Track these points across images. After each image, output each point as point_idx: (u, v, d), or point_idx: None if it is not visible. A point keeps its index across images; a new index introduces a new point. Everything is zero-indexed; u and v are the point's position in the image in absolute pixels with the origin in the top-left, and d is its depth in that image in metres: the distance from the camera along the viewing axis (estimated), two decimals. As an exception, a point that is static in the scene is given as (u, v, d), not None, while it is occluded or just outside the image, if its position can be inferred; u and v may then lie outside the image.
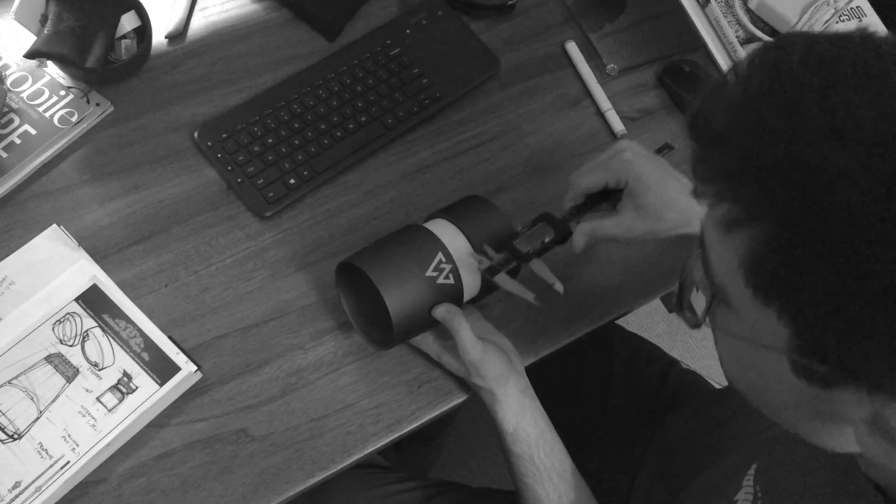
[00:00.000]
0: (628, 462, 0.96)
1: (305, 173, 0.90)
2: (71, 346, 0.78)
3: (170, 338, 0.80)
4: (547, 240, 0.80)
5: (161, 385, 0.77)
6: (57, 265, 0.81)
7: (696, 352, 1.82)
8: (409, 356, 0.84)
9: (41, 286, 0.80)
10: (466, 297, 0.80)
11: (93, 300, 0.80)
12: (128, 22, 0.92)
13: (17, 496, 0.72)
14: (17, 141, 0.87)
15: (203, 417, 0.79)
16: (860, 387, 0.47)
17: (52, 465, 0.73)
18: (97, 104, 0.90)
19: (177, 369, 0.78)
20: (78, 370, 0.77)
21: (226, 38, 0.98)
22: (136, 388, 0.77)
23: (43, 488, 0.72)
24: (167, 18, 0.97)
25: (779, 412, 0.56)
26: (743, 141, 0.47)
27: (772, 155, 0.46)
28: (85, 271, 0.81)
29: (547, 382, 0.96)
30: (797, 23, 1.03)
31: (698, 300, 0.57)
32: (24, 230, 0.83)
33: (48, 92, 0.90)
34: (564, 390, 1.04)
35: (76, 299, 0.80)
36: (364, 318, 0.82)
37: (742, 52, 1.03)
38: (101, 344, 0.78)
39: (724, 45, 1.04)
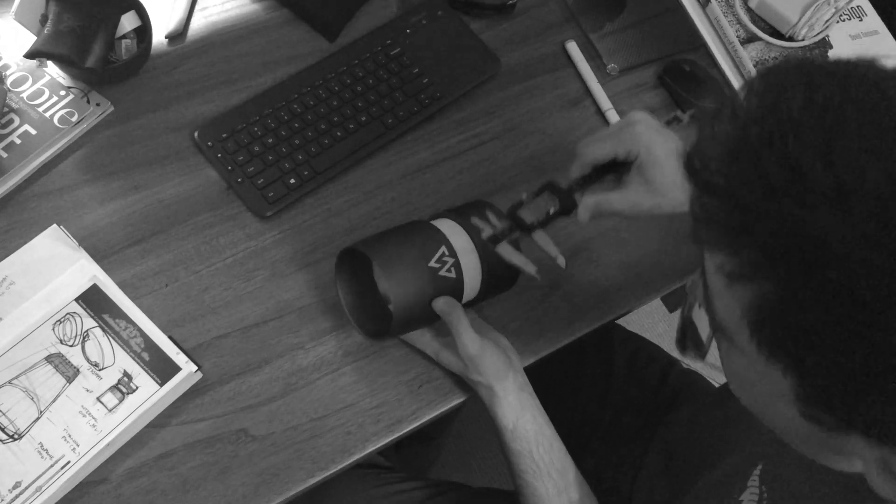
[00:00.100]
0: (629, 462, 0.96)
1: (306, 173, 0.90)
2: (71, 346, 0.78)
3: (170, 338, 0.80)
4: (552, 211, 0.78)
5: (161, 385, 0.77)
6: (57, 265, 0.81)
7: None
8: (409, 356, 0.84)
9: (41, 286, 0.80)
10: (466, 297, 0.80)
11: (93, 300, 0.80)
12: (128, 22, 0.92)
13: (17, 496, 0.72)
14: (18, 141, 0.87)
15: (203, 417, 0.79)
16: (869, 435, 0.47)
17: (52, 465, 0.73)
18: (97, 104, 0.90)
19: (177, 369, 0.78)
20: (78, 370, 0.77)
21: (226, 37, 0.98)
22: (137, 388, 0.77)
23: (43, 488, 0.72)
24: (167, 18, 0.97)
25: (786, 436, 0.56)
26: (743, 197, 0.45)
27: (774, 218, 0.44)
28: (85, 271, 0.81)
29: (547, 382, 0.96)
30: (798, 22, 1.03)
31: (701, 318, 0.57)
32: (24, 230, 0.83)
33: (48, 92, 0.90)
34: (565, 390, 1.04)
35: (76, 299, 0.80)
36: (362, 312, 0.82)
37: (743, 52, 1.03)
38: (101, 344, 0.78)
39: (724, 45, 1.04)
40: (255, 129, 0.91)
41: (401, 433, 0.81)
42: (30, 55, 0.87)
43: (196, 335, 0.82)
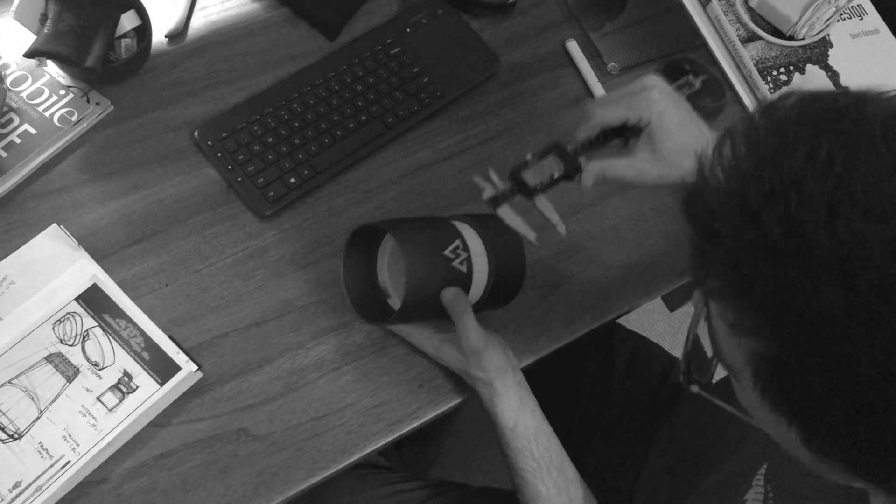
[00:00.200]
0: (629, 461, 0.96)
1: (306, 172, 0.90)
2: (71, 345, 0.78)
3: (170, 337, 0.80)
4: (556, 175, 0.77)
5: (161, 384, 0.77)
6: (57, 265, 0.81)
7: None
8: (409, 355, 0.84)
9: (41, 286, 0.80)
10: (471, 299, 0.80)
11: (93, 300, 0.80)
12: (127, 21, 0.92)
13: (17, 496, 0.72)
14: (17, 140, 0.86)
15: (203, 417, 0.79)
16: (876, 486, 0.47)
17: (52, 465, 0.73)
18: (97, 103, 0.90)
19: (177, 369, 0.78)
20: (78, 370, 0.77)
21: (226, 36, 0.98)
22: (137, 387, 0.77)
23: (43, 488, 0.72)
24: (167, 17, 0.97)
25: (796, 456, 0.56)
26: (744, 257, 0.44)
27: (775, 282, 0.43)
28: (85, 271, 0.81)
29: (547, 381, 0.95)
30: (798, 21, 1.03)
31: (704, 336, 0.56)
32: (23, 230, 0.83)
33: (48, 91, 0.90)
34: (565, 389, 1.04)
35: (76, 299, 0.79)
36: (359, 296, 0.81)
37: (743, 51, 1.02)
38: (101, 343, 0.78)
39: (724, 44, 1.04)
40: (255, 128, 0.91)
41: (401, 432, 0.81)
42: (29, 54, 0.87)
43: (196, 335, 0.82)
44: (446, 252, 0.76)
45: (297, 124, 0.92)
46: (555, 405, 0.85)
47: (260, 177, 0.89)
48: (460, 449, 1.57)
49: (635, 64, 1.06)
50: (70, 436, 0.74)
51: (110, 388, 0.77)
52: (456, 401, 0.83)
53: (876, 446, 0.44)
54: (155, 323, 0.80)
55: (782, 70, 1.04)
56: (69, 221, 0.84)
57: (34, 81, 0.90)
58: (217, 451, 0.77)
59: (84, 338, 0.78)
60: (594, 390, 1.03)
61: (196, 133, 0.90)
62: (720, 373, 0.58)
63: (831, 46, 1.07)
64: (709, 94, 1.02)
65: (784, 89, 0.45)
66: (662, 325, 1.83)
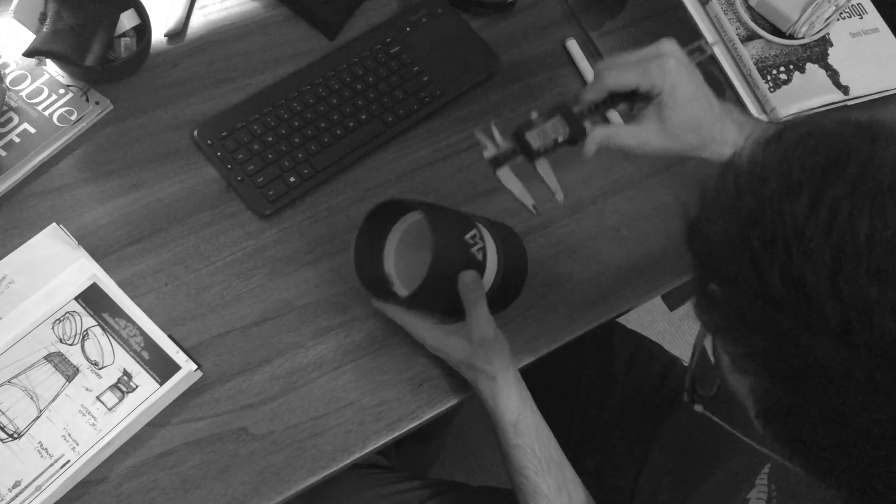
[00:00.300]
0: (629, 461, 0.96)
1: (305, 171, 0.90)
2: (71, 344, 0.78)
3: (170, 336, 0.80)
4: (560, 139, 0.76)
5: (161, 384, 0.77)
6: (56, 264, 0.81)
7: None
8: (409, 355, 0.84)
9: (41, 285, 0.80)
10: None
11: (92, 299, 0.79)
12: (127, 20, 0.92)
13: (17, 495, 0.72)
14: (17, 140, 0.86)
15: (203, 416, 0.79)
16: None
17: (52, 465, 0.73)
18: (96, 102, 0.90)
19: (177, 368, 0.78)
20: (78, 369, 0.77)
21: (225, 35, 0.98)
22: (136, 386, 0.77)
23: (43, 487, 0.72)
24: (166, 16, 0.97)
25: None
26: (743, 300, 0.43)
27: (774, 332, 0.42)
28: (84, 270, 0.81)
29: (547, 381, 0.96)
30: (798, 20, 1.03)
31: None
32: (23, 229, 0.83)
33: (47, 90, 0.89)
34: (565, 388, 1.04)
35: (76, 298, 0.79)
36: (372, 282, 0.79)
37: (743, 50, 1.02)
38: (100, 343, 0.78)
39: (724, 43, 1.04)
40: (255, 127, 0.91)
41: (401, 432, 0.81)
42: (29, 53, 0.87)
43: (196, 334, 0.82)
44: (467, 237, 0.76)
45: (296, 123, 0.92)
46: (555, 404, 0.84)
47: (259, 176, 0.89)
48: (460, 449, 1.57)
49: (635, 63, 1.06)
50: (70, 435, 0.74)
51: (110, 387, 0.76)
52: (455, 400, 0.83)
53: (874, 490, 0.44)
54: (154, 322, 0.80)
55: (782, 69, 1.04)
56: (69, 220, 0.84)
57: (33, 80, 0.90)
58: (217, 451, 0.77)
59: (83, 337, 0.78)
60: (594, 389, 1.03)
61: (195, 132, 0.90)
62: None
63: (831, 45, 1.07)
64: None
65: (791, 118, 0.43)
66: (662, 323, 1.83)
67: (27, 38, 0.89)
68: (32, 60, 0.90)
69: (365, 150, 0.93)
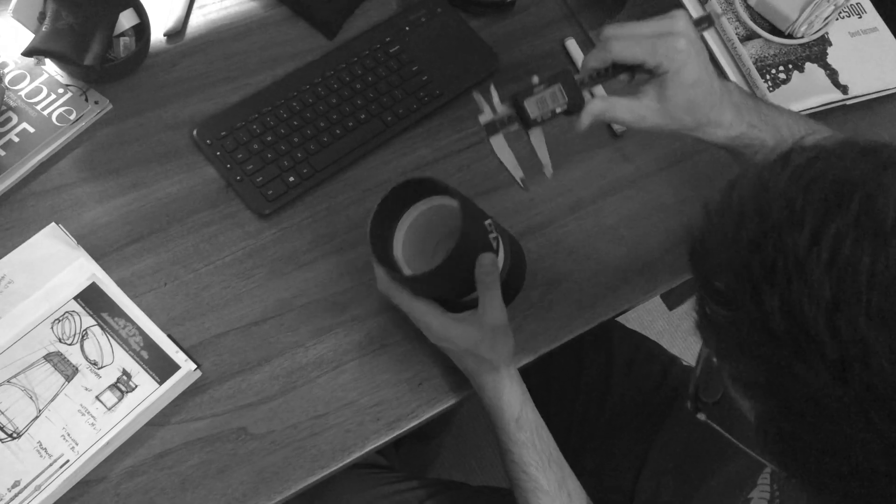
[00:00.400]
0: (629, 460, 0.96)
1: (305, 171, 0.90)
2: (70, 344, 0.78)
3: (169, 336, 0.79)
4: (558, 110, 0.74)
5: (160, 383, 0.77)
6: (56, 263, 0.81)
7: (697, 349, 1.82)
8: (409, 354, 0.84)
9: (40, 285, 0.80)
10: None
11: (92, 298, 0.79)
12: (126, 19, 0.91)
13: (16, 495, 0.72)
14: (16, 139, 0.86)
15: (203, 416, 0.79)
16: None
17: (51, 464, 0.73)
18: (96, 102, 0.90)
19: (176, 368, 0.78)
20: (77, 369, 0.77)
21: (224, 35, 0.98)
22: (136, 386, 0.77)
23: (42, 487, 0.72)
24: (166, 16, 0.97)
25: None
26: (742, 327, 0.43)
27: (773, 362, 0.42)
28: (84, 270, 0.81)
29: (547, 380, 0.95)
30: (797, 19, 1.03)
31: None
32: (22, 228, 0.83)
33: (46, 90, 0.89)
34: (564, 388, 1.04)
35: (75, 298, 0.79)
36: (381, 255, 0.78)
37: (742, 49, 1.02)
38: (100, 342, 0.78)
39: (724, 43, 1.04)
40: (254, 126, 0.91)
41: (401, 431, 0.81)
42: (28, 53, 0.87)
43: (195, 333, 0.82)
44: (486, 223, 0.76)
45: (296, 123, 0.92)
46: (554, 404, 0.84)
47: (259, 175, 0.89)
48: (459, 448, 1.57)
49: (634, 62, 1.06)
50: (69, 435, 0.74)
51: (109, 387, 0.76)
52: (455, 399, 0.83)
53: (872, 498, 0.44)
54: (154, 322, 0.80)
55: (781, 68, 1.04)
56: (68, 220, 0.84)
57: (33, 80, 0.90)
58: (216, 450, 0.77)
59: (83, 337, 0.78)
60: (594, 389, 1.03)
61: (195, 132, 0.90)
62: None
63: (830, 45, 1.07)
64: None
65: (802, 141, 0.42)
66: (662, 322, 1.83)
67: (26, 37, 0.89)
68: (31, 60, 0.90)
69: (364, 150, 0.93)
